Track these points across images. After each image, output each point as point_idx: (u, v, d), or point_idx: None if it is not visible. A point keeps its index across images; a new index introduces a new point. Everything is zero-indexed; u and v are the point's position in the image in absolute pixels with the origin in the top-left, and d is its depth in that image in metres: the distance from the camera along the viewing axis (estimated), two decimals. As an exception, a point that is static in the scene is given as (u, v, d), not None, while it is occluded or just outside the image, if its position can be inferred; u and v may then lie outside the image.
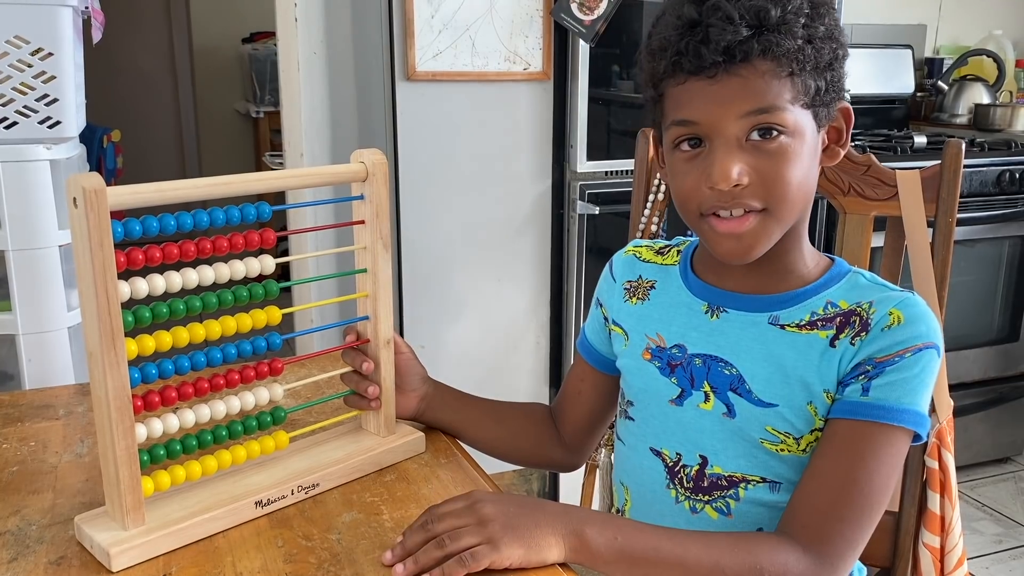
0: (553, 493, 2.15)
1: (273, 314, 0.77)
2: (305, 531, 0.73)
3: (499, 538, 0.64)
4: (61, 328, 1.27)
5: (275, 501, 0.76)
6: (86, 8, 1.30)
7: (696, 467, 0.80)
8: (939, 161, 1.00)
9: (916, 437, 0.74)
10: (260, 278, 0.75)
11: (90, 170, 1.52)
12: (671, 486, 0.82)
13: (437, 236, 1.92)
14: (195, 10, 4.35)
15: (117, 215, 0.65)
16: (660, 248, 0.91)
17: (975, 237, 2.27)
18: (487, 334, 2.02)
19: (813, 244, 0.83)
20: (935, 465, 1.01)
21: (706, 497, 0.80)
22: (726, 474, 0.79)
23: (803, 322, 0.77)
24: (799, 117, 0.72)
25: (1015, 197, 2.27)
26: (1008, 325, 2.41)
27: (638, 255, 0.91)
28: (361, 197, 0.82)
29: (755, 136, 0.72)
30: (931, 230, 1.01)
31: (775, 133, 0.72)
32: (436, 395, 0.92)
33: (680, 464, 0.81)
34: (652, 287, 0.87)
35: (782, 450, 0.77)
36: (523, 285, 2.02)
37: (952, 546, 1.01)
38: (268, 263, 0.76)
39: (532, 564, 0.65)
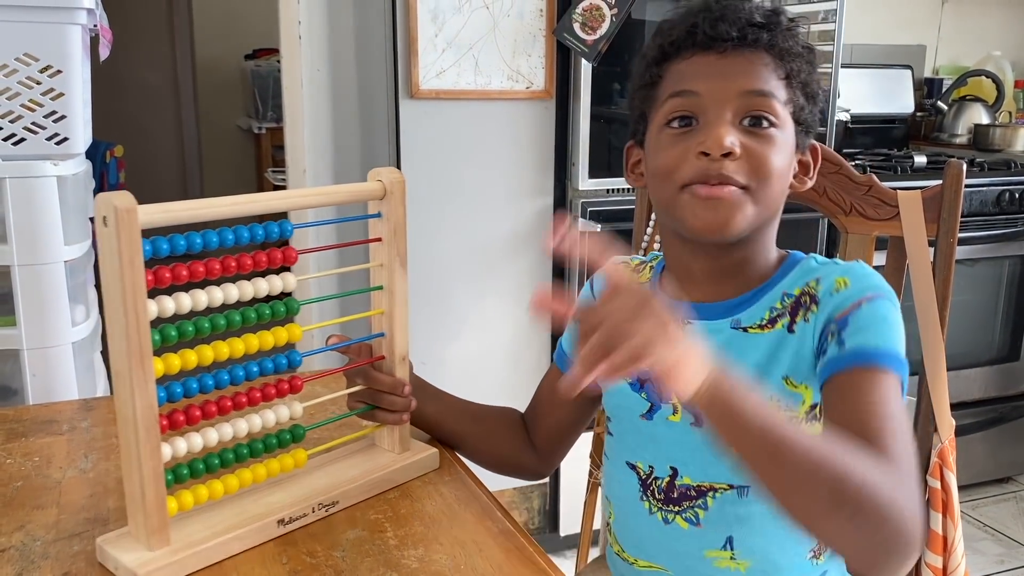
0: (553, 512, 2.14)
1: (294, 332, 0.78)
2: (309, 548, 0.73)
3: (659, 340, 0.57)
4: (65, 343, 1.27)
5: (297, 519, 0.76)
6: (95, 25, 1.31)
7: (667, 479, 0.81)
8: (940, 181, 1.00)
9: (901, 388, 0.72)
10: (280, 296, 0.76)
11: (95, 186, 1.53)
12: (644, 498, 0.83)
13: (439, 253, 1.92)
14: (198, 26, 4.38)
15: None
16: (636, 266, 0.92)
17: (975, 257, 2.28)
18: (488, 351, 2.02)
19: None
20: (937, 485, 1.01)
21: (676, 508, 0.81)
22: (695, 484, 0.80)
23: (764, 321, 0.78)
24: (787, 120, 0.77)
25: (1015, 217, 2.28)
26: (1008, 345, 2.41)
27: None
28: (378, 215, 0.83)
29: (747, 122, 0.75)
30: (932, 250, 1.02)
31: (766, 123, 0.75)
32: (419, 388, 0.90)
33: (652, 476, 0.82)
34: None
35: None
36: (524, 302, 2.02)
37: (955, 566, 1.01)
38: (290, 281, 0.76)
39: (676, 389, 0.58)
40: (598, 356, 0.57)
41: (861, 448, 0.62)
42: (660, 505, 0.82)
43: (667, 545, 0.83)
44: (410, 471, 0.86)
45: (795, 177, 0.81)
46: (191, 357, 0.71)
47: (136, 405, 0.66)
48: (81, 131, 1.29)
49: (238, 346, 0.74)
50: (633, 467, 0.84)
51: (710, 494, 0.80)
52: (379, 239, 0.83)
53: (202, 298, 0.70)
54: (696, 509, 0.80)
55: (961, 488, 2.36)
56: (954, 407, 1.03)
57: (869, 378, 0.70)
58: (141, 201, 0.65)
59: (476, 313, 1.99)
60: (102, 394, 1.48)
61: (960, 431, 2.37)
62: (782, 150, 0.76)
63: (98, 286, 1.49)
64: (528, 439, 0.97)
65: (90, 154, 1.41)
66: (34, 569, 0.70)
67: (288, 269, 0.76)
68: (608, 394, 0.88)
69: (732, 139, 0.73)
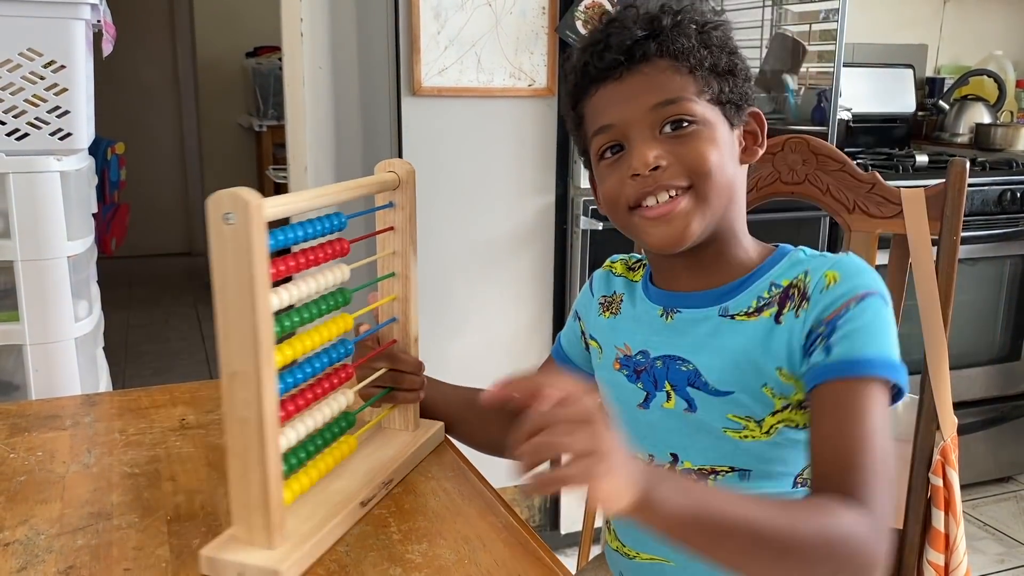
0: (554, 510, 2.15)
1: (348, 321, 0.81)
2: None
3: (603, 461, 0.58)
4: (68, 339, 1.27)
5: (371, 500, 0.79)
6: (98, 21, 1.31)
7: (668, 465, 0.82)
8: (941, 180, 1.00)
9: (897, 391, 0.72)
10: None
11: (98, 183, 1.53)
12: None
13: (441, 250, 1.92)
14: (199, 24, 4.38)
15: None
16: (632, 263, 0.93)
17: (976, 256, 2.28)
18: (489, 349, 2.02)
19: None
20: (939, 482, 1.01)
21: None
22: (696, 468, 0.81)
23: (751, 309, 0.79)
24: (707, 111, 0.77)
25: (1016, 216, 2.28)
26: (1009, 344, 2.41)
27: (612, 270, 0.94)
28: (390, 205, 0.86)
29: (668, 129, 0.77)
30: (935, 248, 1.02)
31: (686, 124, 0.76)
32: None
33: (654, 464, 0.83)
34: (621, 300, 0.90)
35: (746, 437, 0.78)
36: (526, 300, 2.02)
37: (956, 564, 1.01)
38: (345, 272, 0.78)
39: (602, 506, 0.60)
40: (533, 457, 0.60)
41: (821, 503, 0.65)
42: None
43: None
44: (429, 445, 0.91)
45: (744, 151, 0.82)
46: (287, 352, 0.70)
47: (263, 403, 0.65)
48: (84, 127, 1.29)
49: (314, 338, 0.75)
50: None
51: (711, 477, 0.80)
52: (391, 228, 0.86)
53: (295, 292, 0.71)
54: None
55: (961, 487, 2.36)
56: (955, 406, 1.03)
57: (853, 392, 0.71)
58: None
59: (478, 310, 1.99)
60: (104, 389, 1.48)
61: (961, 430, 2.36)
62: (711, 139, 0.77)
63: (99, 281, 1.50)
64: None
65: (92, 151, 1.41)
66: (38, 563, 0.70)
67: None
68: (606, 388, 0.88)
69: (655, 153, 0.75)
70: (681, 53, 0.76)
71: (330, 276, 0.76)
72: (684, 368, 0.80)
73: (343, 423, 0.82)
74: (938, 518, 1.01)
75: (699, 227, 0.77)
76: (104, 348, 1.51)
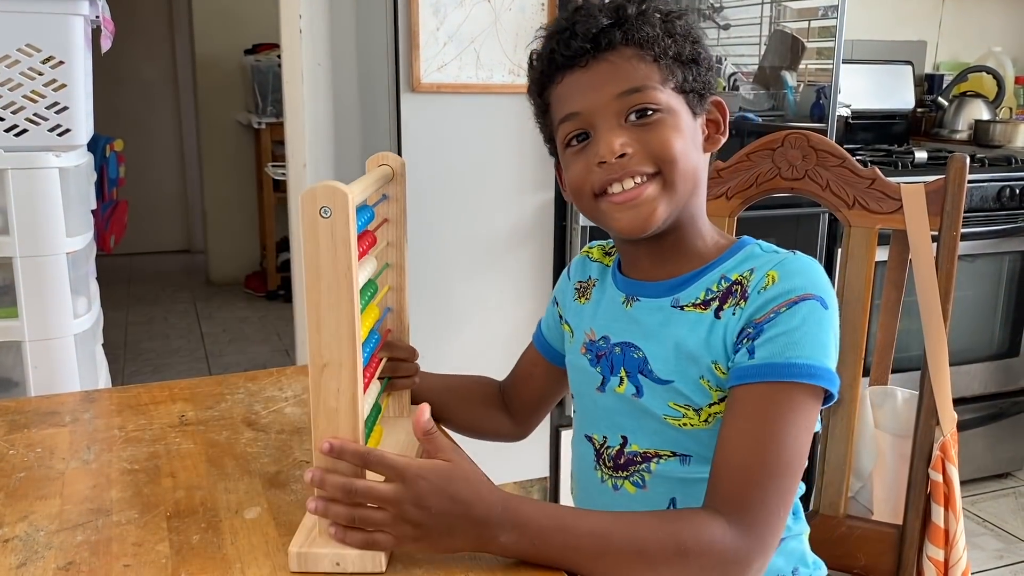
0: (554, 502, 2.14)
1: (374, 314, 0.82)
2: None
3: (407, 541, 0.66)
4: (67, 335, 1.27)
5: None
6: (96, 17, 1.31)
7: (617, 447, 0.85)
8: (941, 177, 1.00)
9: (828, 396, 0.74)
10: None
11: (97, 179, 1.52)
12: (597, 467, 0.87)
13: (439, 246, 1.92)
14: (198, 21, 4.37)
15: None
16: (609, 248, 0.94)
17: (976, 252, 2.28)
18: (487, 346, 2.02)
19: (816, 258, 0.84)
20: (939, 478, 1.01)
21: (624, 473, 0.84)
22: (641, 451, 0.83)
23: (699, 300, 0.80)
24: (671, 100, 0.78)
25: (1015, 213, 2.28)
26: (1008, 340, 2.41)
27: (589, 255, 0.95)
28: (385, 198, 0.88)
29: (633, 117, 0.77)
30: (935, 244, 1.02)
31: (651, 112, 0.77)
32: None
33: (605, 446, 0.86)
34: (594, 286, 0.92)
35: (685, 424, 0.80)
36: (524, 297, 2.02)
37: (956, 559, 1.01)
38: (373, 263, 0.80)
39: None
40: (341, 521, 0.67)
41: (685, 515, 0.72)
42: (610, 473, 0.85)
43: (617, 510, 0.85)
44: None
45: (707, 140, 0.83)
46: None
47: (355, 393, 0.67)
48: (83, 122, 1.29)
49: (364, 328, 0.75)
50: (590, 439, 0.88)
51: (654, 460, 0.82)
52: (386, 220, 0.88)
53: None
54: (642, 473, 0.83)
55: (961, 483, 2.36)
56: (954, 402, 1.03)
57: (767, 398, 0.73)
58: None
59: (476, 307, 1.99)
60: (103, 386, 1.48)
61: (960, 426, 2.36)
62: (675, 127, 0.78)
63: (98, 278, 1.49)
64: (503, 406, 1.02)
65: (91, 148, 1.41)
66: (38, 559, 0.70)
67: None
68: (572, 372, 0.92)
69: (621, 141, 0.76)
70: (646, 41, 0.77)
71: (368, 268, 0.78)
72: (636, 355, 0.82)
73: (376, 411, 0.84)
74: (938, 514, 1.01)
75: (665, 212, 0.78)
76: (103, 345, 1.51)
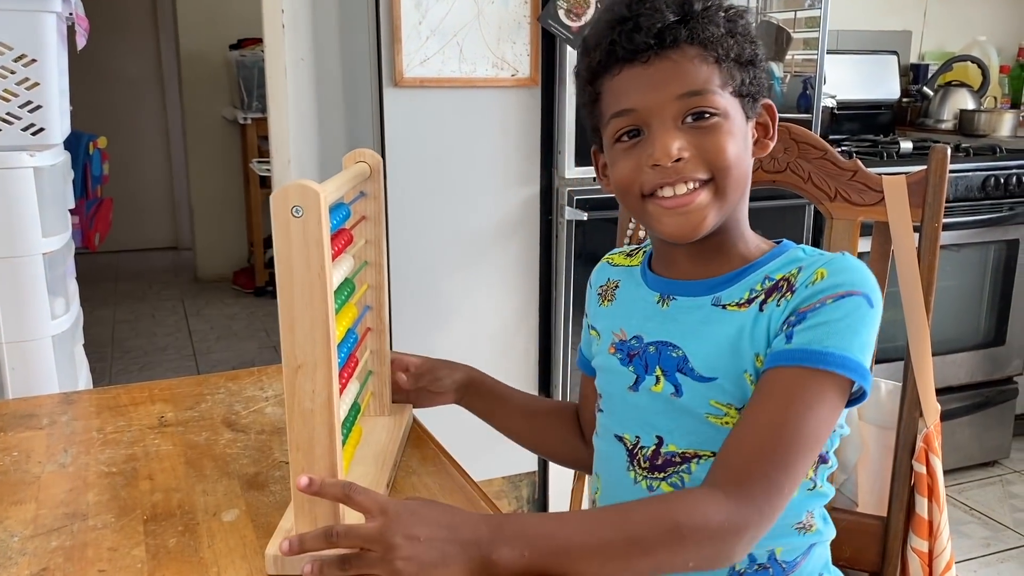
0: (542, 500, 2.14)
1: (352, 313, 0.81)
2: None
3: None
4: (45, 337, 1.26)
5: (391, 482, 0.81)
6: (70, 14, 1.29)
7: (652, 447, 0.83)
8: (925, 166, 1.00)
9: (859, 394, 0.74)
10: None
11: (74, 178, 1.51)
12: (630, 468, 0.85)
13: (425, 242, 1.91)
14: (182, 16, 4.33)
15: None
16: (630, 251, 0.94)
17: (961, 242, 2.28)
18: (476, 341, 2.01)
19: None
20: (923, 469, 1.01)
21: (661, 475, 0.82)
22: (679, 451, 0.81)
23: (742, 300, 0.79)
24: (729, 103, 0.77)
25: (1000, 202, 2.28)
26: (994, 329, 2.42)
27: (610, 261, 0.95)
28: (362, 195, 0.87)
29: (690, 120, 0.76)
30: (917, 235, 1.02)
31: (708, 115, 0.76)
32: (470, 389, 1.00)
33: (639, 446, 0.84)
34: (617, 287, 0.91)
35: (727, 423, 0.79)
36: (512, 292, 2.02)
37: (940, 550, 1.01)
38: (350, 262, 0.79)
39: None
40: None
41: (678, 495, 0.72)
42: (645, 474, 0.83)
43: None
44: (408, 426, 0.93)
45: (756, 144, 0.82)
46: None
47: (330, 394, 0.66)
48: (58, 121, 1.27)
49: (340, 328, 0.75)
50: (621, 439, 0.86)
51: (694, 460, 0.81)
52: (364, 217, 0.87)
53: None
54: (681, 474, 0.81)
55: (947, 472, 2.38)
56: (940, 392, 1.03)
57: (797, 381, 0.72)
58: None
59: (463, 303, 1.98)
60: (84, 387, 1.46)
61: (946, 416, 2.38)
62: (732, 132, 0.77)
63: (84, 276, 1.48)
64: (577, 429, 1.01)
65: (73, 146, 1.40)
66: (11, 565, 0.69)
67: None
68: (600, 372, 0.89)
69: (678, 145, 0.75)
70: (710, 42, 0.75)
71: (344, 266, 0.77)
72: (674, 354, 0.81)
73: (356, 411, 0.83)
74: (921, 505, 1.00)
75: (714, 220, 0.77)
76: (90, 344, 1.50)
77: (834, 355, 0.72)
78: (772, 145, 0.84)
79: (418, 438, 0.93)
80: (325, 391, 0.66)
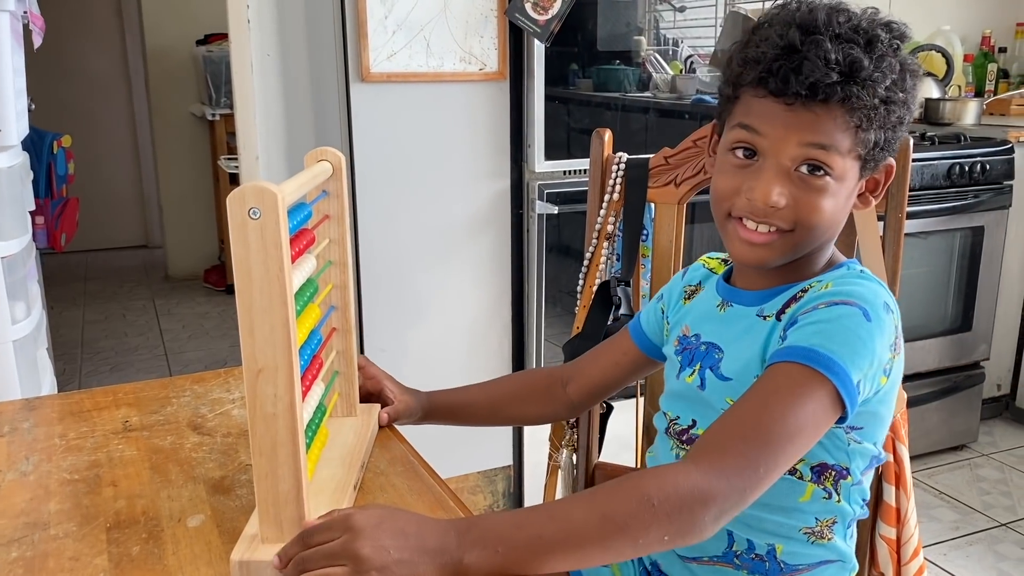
0: (518, 494, 2.15)
1: (315, 314, 0.80)
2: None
3: None
4: (5, 342, 1.23)
5: (358, 483, 0.81)
6: (25, 13, 1.27)
7: (686, 426, 0.89)
8: (889, 156, 1.01)
9: (842, 414, 0.73)
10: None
11: (34, 178, 1.48)
12: (667, 436, 0.92)
13: (396, 238, 1.90)
14: (147, 12, 4.27)
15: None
16: (726, 258, 0.95)
17: (928, 230, 2.31)
18: (449, 336, 2.01)
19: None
20: (890, 457, 1.02)
21: (687, 447, 0.89)
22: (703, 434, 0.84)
23: (777, 311, 0.82)
24: (847, 166, 0.78)
25: (965, 190, 2.31)
26: (961, 315, 2.45)
27: (706, 264, 0.98)
28: (325, 194, 0.86)
29: (804, 169, 0.77)
30: (882, 224, 1.02)
31: (822, 172, 0.77)
32: (431, 415, 1.01)
33: (676, 422, 0.90)
34: (700, 292, 0.94)
35: None
36: (484, 286, 2.01)
37: (908, 537, 1.02)
38: (313, 262, 0.78)
39: None
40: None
41: (644, 472, 0.72)
42: (676, 443, 0.90)
43: None
44: (374, 424, 0.92)
45: (860, 197, 0.83)
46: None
47: (293, 397, 0.65)
48: (14, 122, 1.24)
49: (300, 331, 0.73)
50: (664, 413, 0.93)
51: None
52: (327, 216, 0.86)
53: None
54: None
55: (917, 457, 2.41)
56: (909, 378, 1.04)
57: (782, 374, 0.73)
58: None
59: (435, 298, 1.97)
60: (48, 392, 1.44)
61: (915, 401, 2.42)
62: (835, 196, 0.78)
63: (52, 277, 1.45)
64: (554, 398, 1.04)
65: (36, 145, 1.37)
66: (-31, 578, 0.67)
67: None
68: (667, 360, 0.95)
69: (778, 195, 0.76)
70: (861, 110, 0.75)
71: (306, 267, 0.76)
72: (716, 356, 0.86)
73: (321, 413, 0.82)
74: (889, 493, 1.02)
75: (780, 260, 0.81)
76: (59, 346, 1.47)
77: (820, 354, 0.72)
78: (874, 203, 0.85)
79: (387, 438, 0.92)
80: (287, 395, 0.65)
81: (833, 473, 0.83)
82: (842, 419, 0.74)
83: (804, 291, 0.81)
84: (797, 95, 0.74)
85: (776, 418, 0.71)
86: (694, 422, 0.88)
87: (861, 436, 0.81)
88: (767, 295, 0.84)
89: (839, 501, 0.83)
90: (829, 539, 0.85)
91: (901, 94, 0.77)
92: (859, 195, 0.83)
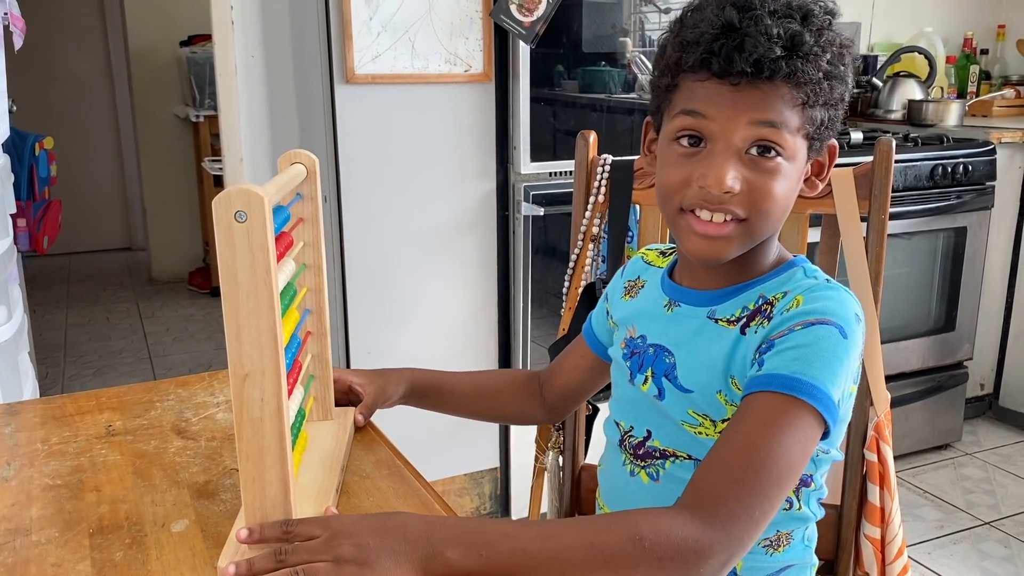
0: (505, 496, 2.14)
1: (294, 317, 0.80)
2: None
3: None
4: (-14, 346, 1.22)
5: (340, 487, 0.80)
6: (5, 14, 1.26)
7: (641, 438, 0.86)
8: (872, 158, 1.01)
9: (825, 432, 0.72)
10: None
11: (17, 180, 1.47)
12: (620, 450, 0.89)
13: (381, 240, 1.90)
14: (130, 12, 4.24)
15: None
16: (666, 250, 0.94)
17: (911, 230, 2.32)
18: (435, 338, 2.00)
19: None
20: (874, 458, 1.03)
21: (642, 463, 0.86)
22: (661, 447, 0.84)
23: (733, 317, 0.80)
24: (797, 145, 0.76)
25: (948, 190, 2.33)
26: (944, 316, 2.47)
27: (644, 257, 0.96)
28: (299, 197, 0.85)
29: (754, 151, 0.75)
30: (865, 225, 1.03)
31: (774, 153, 0.75)
32: (415, 392, 1.01)
33: (630, 434, 0.87)
34: (643, 286, 0.92)
35: (700, 432, 0.81)
36: (470, 288, 2.01)
37: (892, 536, 1.03)
38: (292, 266, 0.77)
39: None
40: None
41: (642, 511, 0.69)
42: (630, 459, 0.87)
43: (628, 496, 0.88)
44: (350, 427, 0.92)
45: (806, 182, 0.81)
46: None
47: (280, 402, 0.64)
48: (-5, 124, 1.23)
49: (285, 334, 0.72)
50: (617, 424, 0.90)
51: (671, 459, 0.83)
52: (301, 219, 0.86)
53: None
54: (658, 468, 0.84)
55: (901, 456, 2.43)
56: (892, 378, 1.05)
57: (768, 406, 0.71)
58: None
59: (421, 300, 1.97)
60: (31, 396, 1.43)
61: (899, 401, 2.43)
62: (787, 178, 0.76)
63: (34, 280, 1.44)
64: (535, 397, 1.04)
65: (17, 147, 1.36)
66: (-51, 585, 0.67)
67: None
68: (613, 361, 0.93)
69: (733, 179, 0.74)
70: (806, 84, 0.73)
71: (286, 271, 0.75)
72: (667, 360, 0.83)
73: (301, 417, 0.82)
74: (873, 493, 1.02)
75: (737, 251, 0.78)
76: (41, 349, 1.46)
77: (802, 382, 0.71)
78: (821, 187, 0.83)
79: (372, 441, 0.92)
80: (275, 399, 0.64)
81: (798, 484, 0.82)
82: (824, 437, 0.73)
83: (769, 304, 0.78)
84: (743, 73, 0.72)
85: (764, 456, 0.69)
86: (649, 433, 0.85)
87: (827, 445, 0.79)
88: (717, 296, 0.82)
89: (800, 509, 0.83)
90: (787, 545, 0.84)
91: (841, 68, 0.76)
92: (805, 179, 0.81)
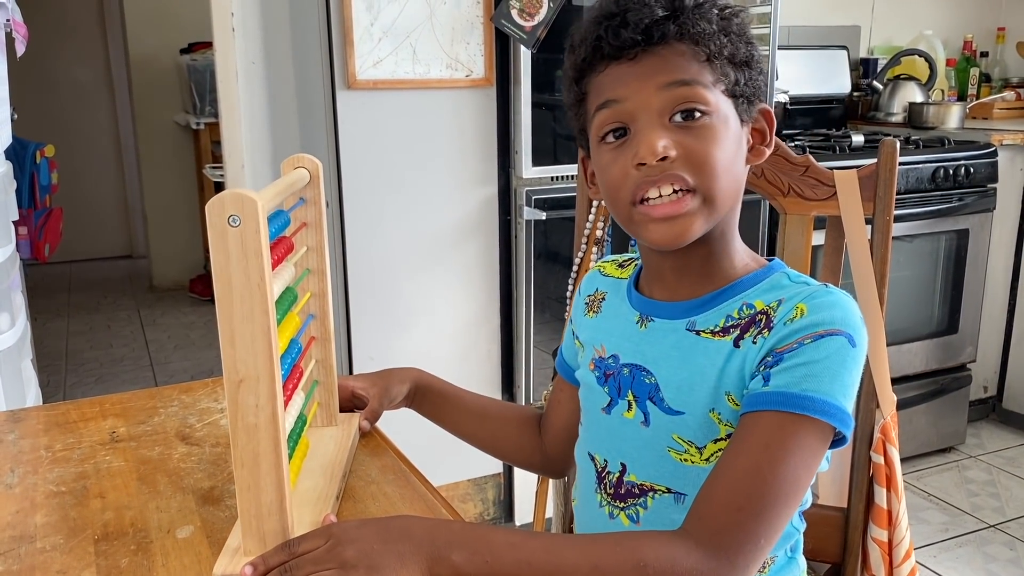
0: (508, 502, 2.14)
1: (295, 322, 0.79)
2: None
3: None
4: (-11, 353, 1.22)
5: (340, 494, 0.79)
6: (7, 21, 1.26)
7: (617, 474, 0.81)
8: (876, 160, 1.01)
9: (839, 437, 0.71)
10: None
11: (18, 188, 1.47)
12: (597, 490, 0.84)
13: (383, 245, 1.90)
14: (131, 20, 4.25)
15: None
16: (623, 261, 0.91)
17: (913, 233, 2.32)
18: (437, 343, 2.00)
19: (755, 245, 0.84)
20: (881, 460, 1.02)
21: (621, 504, 0.81)
22: (639, 482, 0.80)
23: (717, 328, 0.76)
24: (721, 102, 0.74)
25: (950, 193, 2.33)
26: (947, 318, 2.47)
27: (601, 270, 0.92)
28: (302, 201, 0.84)
29: (679, 118, 0.72)
30: (869, 227, 1.03)
31: (699, 114, 0.72)
32: (419, 393, 0.99)
33: (606, 470, 0.82)
34: (604, 299, 0.88)
35: (685, 460, 0.77)
36: (472, 293, 2.01)
37: (899, 539, 1.02)
38: (291, 270, 0.77)
39: None
40: None
41: (646, 533, 0.68)
42: (609, 500, 0.82)
43: None
44: (354, 434, 0.91)
45: (751, 150, 0.79)
46: None
47: (275, 408, 0.64)
48: (-3, 131, 1.23)
49: (280, 339, 0.72)
50: (592, 459, 0.85)
51: (650, 494, 0.79)
52: (304, 224, 0.85)
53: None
54: (637, 507, 0.80)
55: (905, 459, 2.42)
56: (896, 381, 1.04)
57: (776, 427, 0.68)
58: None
59: (424, 305, 1.97)
60: (33, 403, 1.42)
61: (903, 404, 2.43)
62: (722, 136, 0.73)
63: (36, 288, 1.44)
64: (538, 441, 0.99)
65: (18, 155, 1.36)
66: (-46, 593, 0.66)
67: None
68: (581, 385, 0.88)
69: (664, 142, 0.71)
70: (701, 37, 0.72)
71: (285, 275, 0.75)
72: (648, 380, 0.78)
73: (302, 423, 0.81)
74: (880, 495, 1.02)
75: (702, 228, 0.74)
76: (43, 357, 1.46)
77: (815, 400, 0.68)
78: (768, 152, 0.80)
79: (377, 446, 0.91)
80: (269, 405, 0.64)
81: None
82: (838, 443, 0.71)
83: (764, 313, 0.74)
84: (634, 43, 0.71)
85: (771, 481, 0.67)
86: (624, 467, 0.81)
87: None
88: (694, 306, 0.78)
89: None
90: (772, 565, 0.81)
91: (735, 22, 0.75)
92: (750, 148, 0.78)
